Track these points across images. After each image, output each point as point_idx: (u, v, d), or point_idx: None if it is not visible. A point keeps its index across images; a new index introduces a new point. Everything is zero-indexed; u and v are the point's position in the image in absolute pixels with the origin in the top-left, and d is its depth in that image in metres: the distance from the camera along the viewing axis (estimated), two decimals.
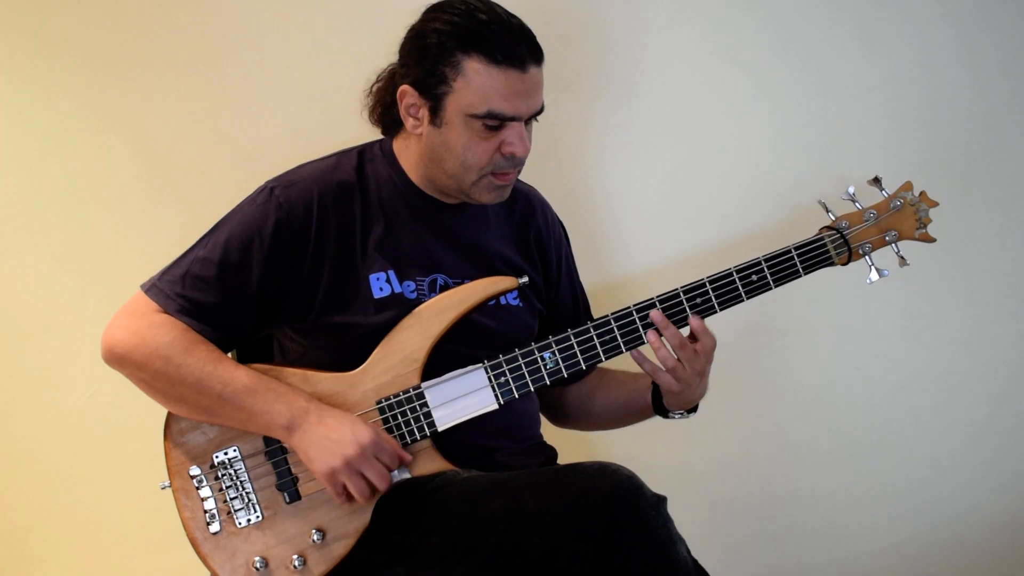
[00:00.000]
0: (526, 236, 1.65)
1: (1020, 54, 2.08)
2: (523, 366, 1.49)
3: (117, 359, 1.45)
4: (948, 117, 2.08)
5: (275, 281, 1.46)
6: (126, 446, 1.95)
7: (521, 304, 1.60)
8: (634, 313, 1.51)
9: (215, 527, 1.43)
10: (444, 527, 1.38)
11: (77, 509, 1.99)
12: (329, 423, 1.40)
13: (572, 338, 1.50)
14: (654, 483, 1.32)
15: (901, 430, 2.14)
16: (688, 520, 1.40)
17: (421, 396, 1.47)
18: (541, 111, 1.48)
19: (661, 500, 1.30)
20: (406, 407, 1.47)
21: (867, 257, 1.60)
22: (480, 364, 1.49)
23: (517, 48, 1.40)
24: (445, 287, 1.53)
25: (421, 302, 1.50)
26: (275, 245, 1.45)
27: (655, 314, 1.47)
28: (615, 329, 1.51)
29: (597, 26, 2.00)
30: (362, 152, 1.57)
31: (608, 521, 1.25)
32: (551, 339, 1.50)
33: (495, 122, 1.42)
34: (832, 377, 2.12)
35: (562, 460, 1.66)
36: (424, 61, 1.43)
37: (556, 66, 1.97)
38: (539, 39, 1.46)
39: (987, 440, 2.15)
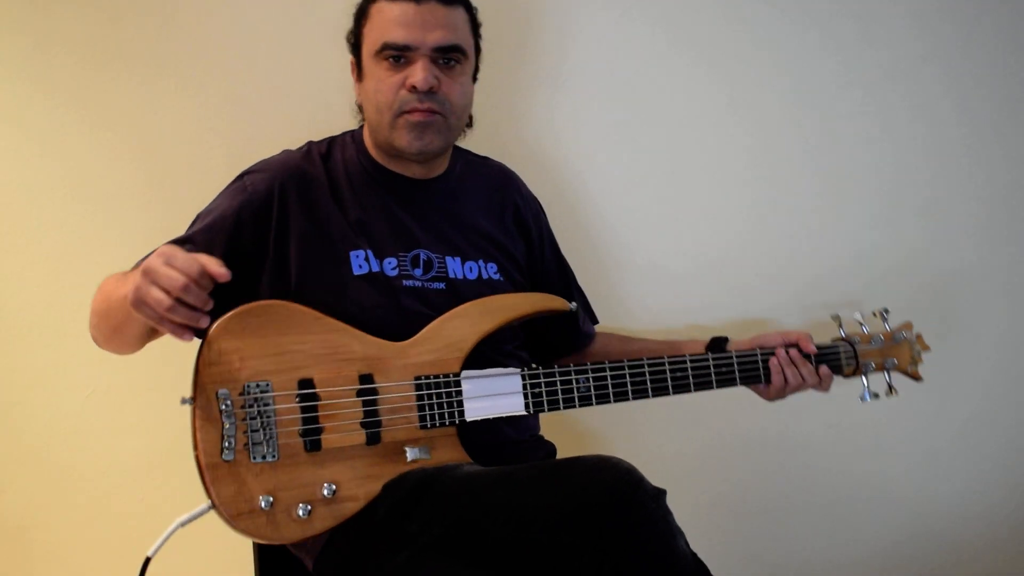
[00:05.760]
0: (504, 210, 1.72)
1: None
2: (558, 383, 1.54)
3: (92, 331, 1.52)
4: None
5: (239, 260, 1.47)
6: (125, 446, 1.90)
7: (502, 278, 1.65)
8: (666, 364, 1.60)
9: (228, 455, 1.37)
10: (446, 518, 1.38)
11: (76, 508, 1.90)
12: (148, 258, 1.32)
13: (607, 371, 1.57)
14: (654, 476, 1.33)
15: (902, 426, 2.20)
16: (688, 513, 1.41)
17: (458, 384, 1.49)
18: (453, 51, 1.53)
19: (661, 493, 1.32)
20: (442, 390, 1.48)
21: (864, 377, 1.75)
22: (519, 370, 1.53)
23: None
24: (428, 262, 1.58)
25: (403, 279, 1.55)
26: (237, 226, 1.51)
27: (796, 354, 1.66)
28: (646, 374, 1.59)
29: (598, 28, 2.07)
30: (333, 140, 1.67)
31: (608, 514, 1.26)
32: (588, 366, 1.56)
33: (394, 53, 1.52)
34: None
35: (561, 455, 1.68)
36: (353, 24, 1.58)
37: (555, 65, 2.05)
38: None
39: (985, 436, 2.24)
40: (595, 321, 1.86)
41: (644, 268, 2.10)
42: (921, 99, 2.21)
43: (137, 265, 1.49)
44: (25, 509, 1.90)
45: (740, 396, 2.10)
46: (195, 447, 1.38)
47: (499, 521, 1.33)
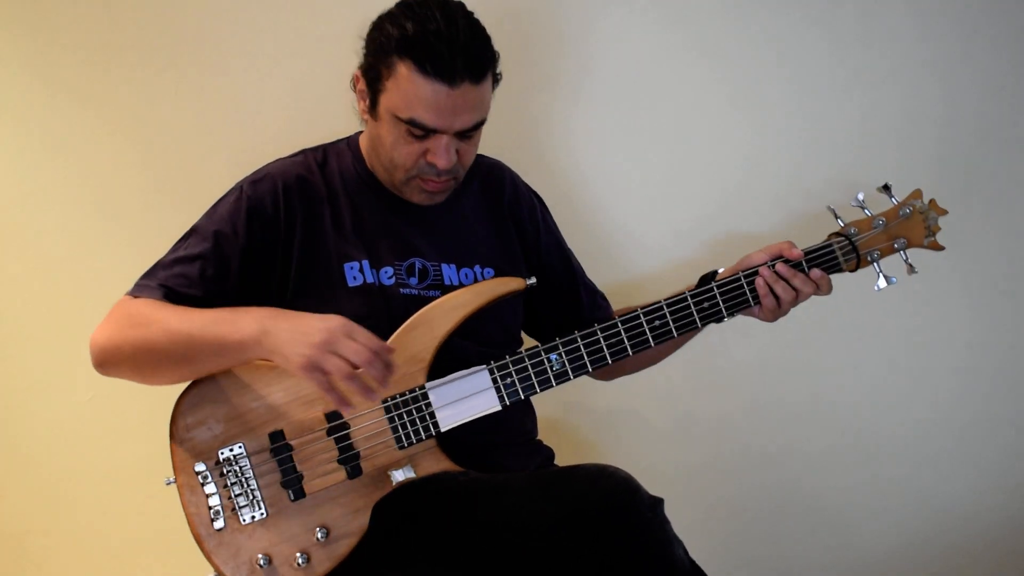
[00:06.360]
0: (499, 210, 1.66)
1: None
2: (529, 367, 1.49)
3: (99, 354, 1.47)
4: (954, 116, 2.09)
5: (253, 271, 1.51)
6: (125, 449, 1.96)
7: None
8: (641, 316, 1.52)
9: (219, 524, 1.42)
10: (442, 530, 1.38)
11: (76, 512, 1.99)
12: (297, 319, 1.39)
13: (579, 340, 1.50)
14: (651, 485, 1.32)
15: (900, 430, 2.14)
16: (685, 522, 1.40)
17: (425, 396, 1.47)
18: (475, 128, 1.48)
19: (658, 502, 1.31)
20: (411, 407, 1.47)
21: (875, 264, 1.60)
22: (484, 365, 1.49)
23: (451, 62, 1.40)
24: (424, 271, 1.56)
25: (400, 287, 1.53)
26: (250, 236, 1.50)
27: (782, 267, 1.53)
28: (622, 332, 1.51)
29: (595, 27, 2.00)
30: (329, 148, 1.62)
31: (605, 523, 1.25)
32: (558, 341, 1.50)
33: (419, 131, 1.44)
34: (830, 377, 2.12)
35: (558, 460, 1.67)
36: (371, 54, 1.47)
37: (553, 67, 1.98)
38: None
39: (985, 438, 2.15)
40: (609, 311, 1.79)
41: (652, 258, 2.06)
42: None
43: (165, 287, 1.46)
44: (25, 513, 1.98)
45: (740, 402, 2.09)
46: (188, 522, 1.43)
47: (495, 531, 1.33)
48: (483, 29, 1.47)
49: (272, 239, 1.52)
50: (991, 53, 2.08)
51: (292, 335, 1.35)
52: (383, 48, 1.44)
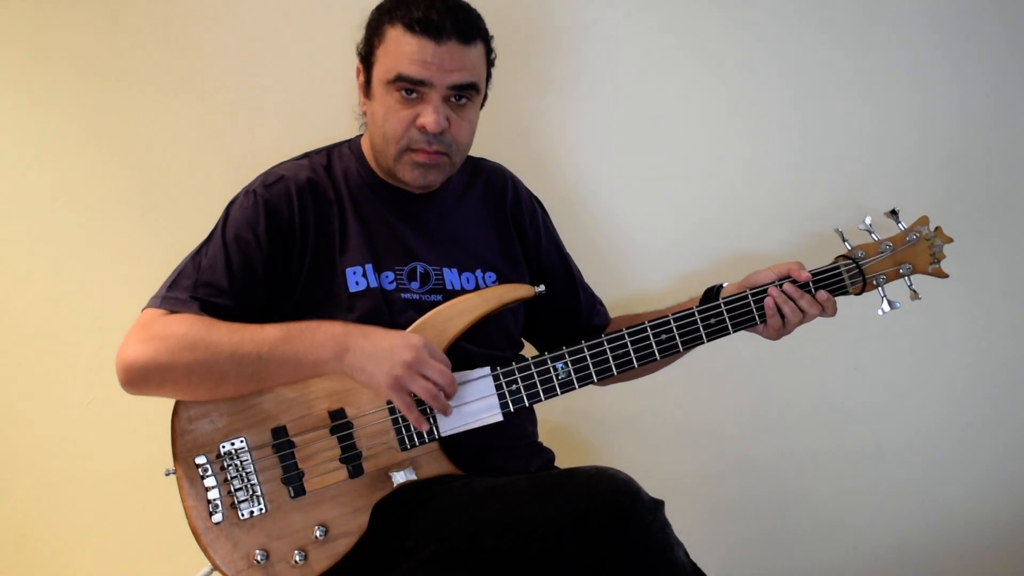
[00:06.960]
0: (500, 214, 1.67)
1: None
2: (535, 375, 1.50)
3: (140, 374, 1.41)
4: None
5: (275, 277, 1.50)
6: (124, 453, 1.95)
7: (498, 283, 1.61)
8: (648, 329, 1.53)
9: (217, 517, 1.42)
10: (442, 532, 1.38)
11: (75, 516, 1.98)
12: (375, 336, 1.43)
13: (585, 350, 1.51)
14: (651, 487, 1.32)
15: (899, 431, 2.15)
16: (686, 524, 1.40)
17: None
18: (468, 89, 1.48)
19: (658, 504, 1.31)
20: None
21: (880, 288, 1.61)
22: (489, 371, 1.50)
23: (438, 20, 1.43)
24: (425, 275, 1.56)
25: (401, 292, 1.53)
26: (272, 242, 1.49)
27: (790, 288, 1.55)
28: (628, 344, 1.52)
29: (597, 30, 2.01)
30: (331, 151, 1.62)
31: (605, 526, 1.25)
32: (564, 351, 1.51)
33: (407, 85, 1.46)
34: (831, 379, 2.13)
35: (559, 462, 1.67)
36: (365, 36, 1.52)
37: (553, 70, 1.99)
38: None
39: (985, 441, 2.17)
40: (607, 317, 1.80)
41: (652, 266, 2.06)
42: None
43: (198, 300, 1.44)
44: (25, 516, 1.97)
45: (740, 404, 2.10)
46: (186, 515, 1.42)
47: (495, 534, 1.33)
48: (478, 14, 1.51)
49: (290, 243, 1.51)
50: (1005, 74, 2.11)
51: (374, 353, 1.41)
52: (376, 22, 1.49)
